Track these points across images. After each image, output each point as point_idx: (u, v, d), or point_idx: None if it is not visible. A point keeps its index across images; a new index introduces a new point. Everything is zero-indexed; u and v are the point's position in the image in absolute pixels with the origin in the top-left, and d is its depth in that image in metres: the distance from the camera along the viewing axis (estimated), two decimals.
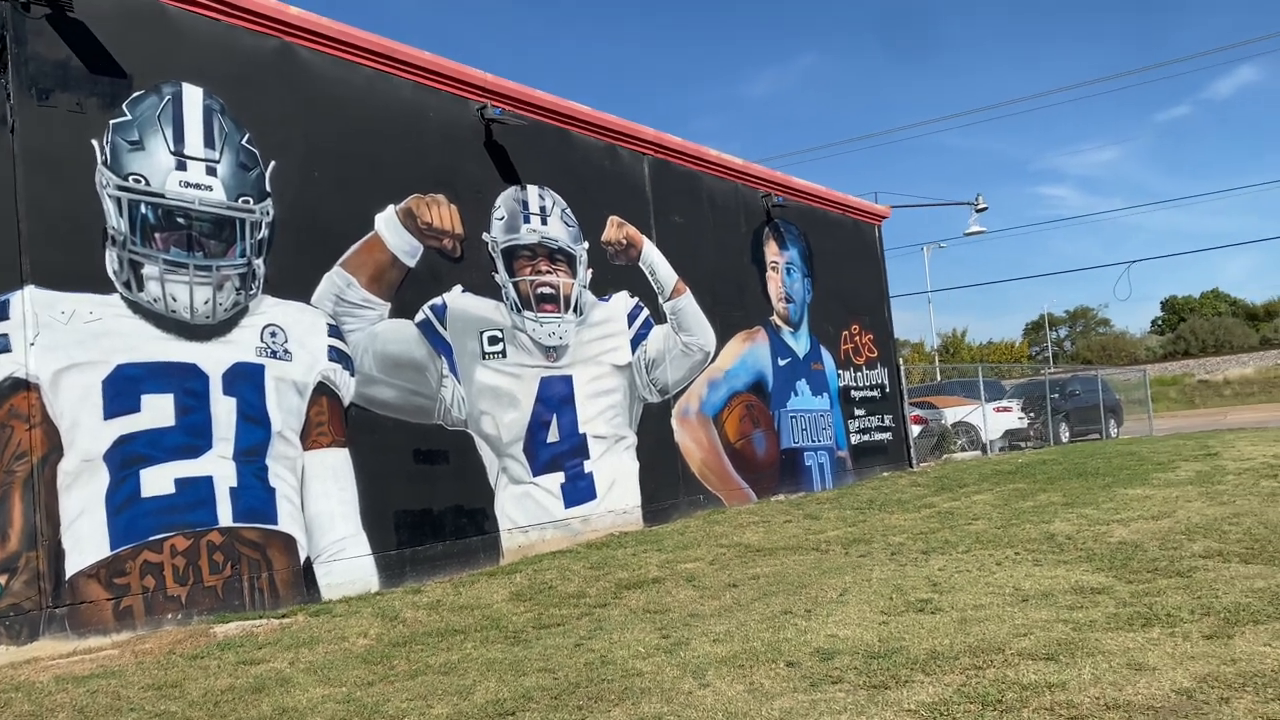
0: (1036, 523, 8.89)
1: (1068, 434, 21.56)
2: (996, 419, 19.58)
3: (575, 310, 10.56)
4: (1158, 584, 5.77)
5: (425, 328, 8.90)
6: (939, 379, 26.53)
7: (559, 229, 10.54)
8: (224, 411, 7.20)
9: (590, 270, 10.85)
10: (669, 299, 12.01)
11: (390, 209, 8.76)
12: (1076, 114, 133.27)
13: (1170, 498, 9.73)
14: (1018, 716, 3.64)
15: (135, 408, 6.73)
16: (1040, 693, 3.87)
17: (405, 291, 8.76)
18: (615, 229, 11.35)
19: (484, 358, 9.41)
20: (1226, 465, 12.20)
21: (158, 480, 6.77)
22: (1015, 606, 5.53)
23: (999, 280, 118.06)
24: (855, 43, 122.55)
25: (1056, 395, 21.80)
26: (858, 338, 15.79)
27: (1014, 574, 6.55)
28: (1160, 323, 72.09)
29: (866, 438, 15.49)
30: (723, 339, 12.77)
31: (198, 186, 7.28)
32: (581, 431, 10.35)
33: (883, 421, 15.99)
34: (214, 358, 7.22)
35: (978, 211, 24.21)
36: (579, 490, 10.19)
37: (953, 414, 19.12)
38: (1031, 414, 20.83)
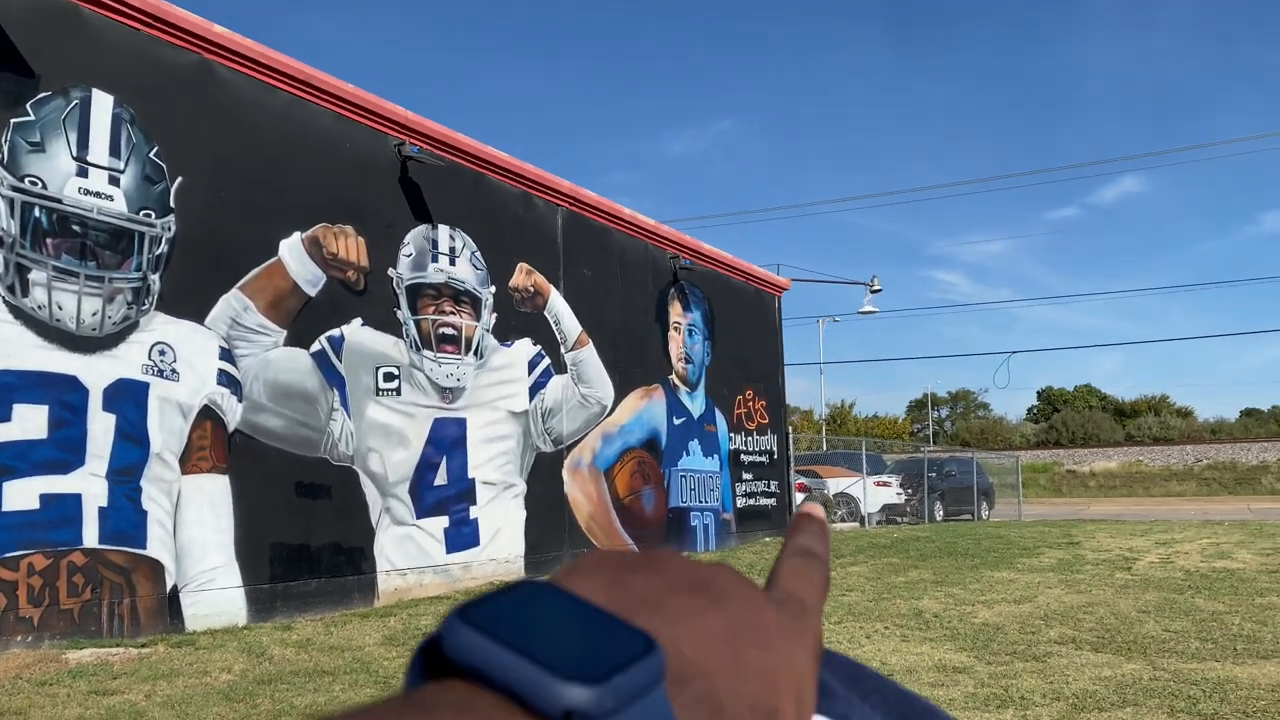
0: (907, 598, 9.18)
1: (941, 512, 22.31)
2: (876, 493, 20.16)
3: (476, 353, 10.54)
4: (1015, 666, 6.03)
5: (320, 359, 8.76)
6: (824, 449, 27.20)
7: (467, 271, 10.55)
8: (101, 428, 6.94)
9: (495, 314, 10.87)
10: (571, 349, 12.09)
11: (296, 236, 8.65)
12: (973, 206, 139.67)
13: (1033, 583, 10.16)
14: None
15: (5, 417, 6.44)
16: None
17: (303, 320, 8.63)
18: (524, 276, 11.42)
19: (378, 394, 9.30)
20: (1086, 555, 12.80)
21: (21, 494, 6.46)
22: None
23: (888, 359, 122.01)
24: (770, 113, 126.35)
25: (934, 474, 22.57)
26: (751, 403, 16.12)
27: (882, 648, 6.75)
28: (1035, 411, 75.28)
29: (752, 502, 15.75)
30: (621, 393, 12.89)
31: (98, 195, 7.09)
32: (471, 476, 10.28)
33: (768, 487, 16.30)
34: (97, 371, 6.97)
35: (872, 292, 25.13)
36: (463, 536, 10.09)
37: (835, 484, 19.62)
38: (909, 490, 21.52)
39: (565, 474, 11.73)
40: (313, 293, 8.74)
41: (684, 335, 14.51)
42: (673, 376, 14.15)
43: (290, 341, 8.49)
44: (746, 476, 15.71)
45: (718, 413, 15.13)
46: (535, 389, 11.40)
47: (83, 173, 7.01)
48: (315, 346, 8.73)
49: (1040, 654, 6.40)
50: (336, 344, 8.94)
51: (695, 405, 14.55)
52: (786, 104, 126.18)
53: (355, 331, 9.15)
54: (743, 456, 15.68)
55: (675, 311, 14.39)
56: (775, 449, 16.72)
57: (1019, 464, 29.80)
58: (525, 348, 11.33)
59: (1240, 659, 6.11)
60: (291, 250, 8.60)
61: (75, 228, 6.94)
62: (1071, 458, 45.88)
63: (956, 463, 25.60)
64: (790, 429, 17.77)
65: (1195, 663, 6.00)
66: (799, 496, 17.59)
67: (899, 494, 21.05)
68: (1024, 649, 6.60)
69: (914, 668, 6.05)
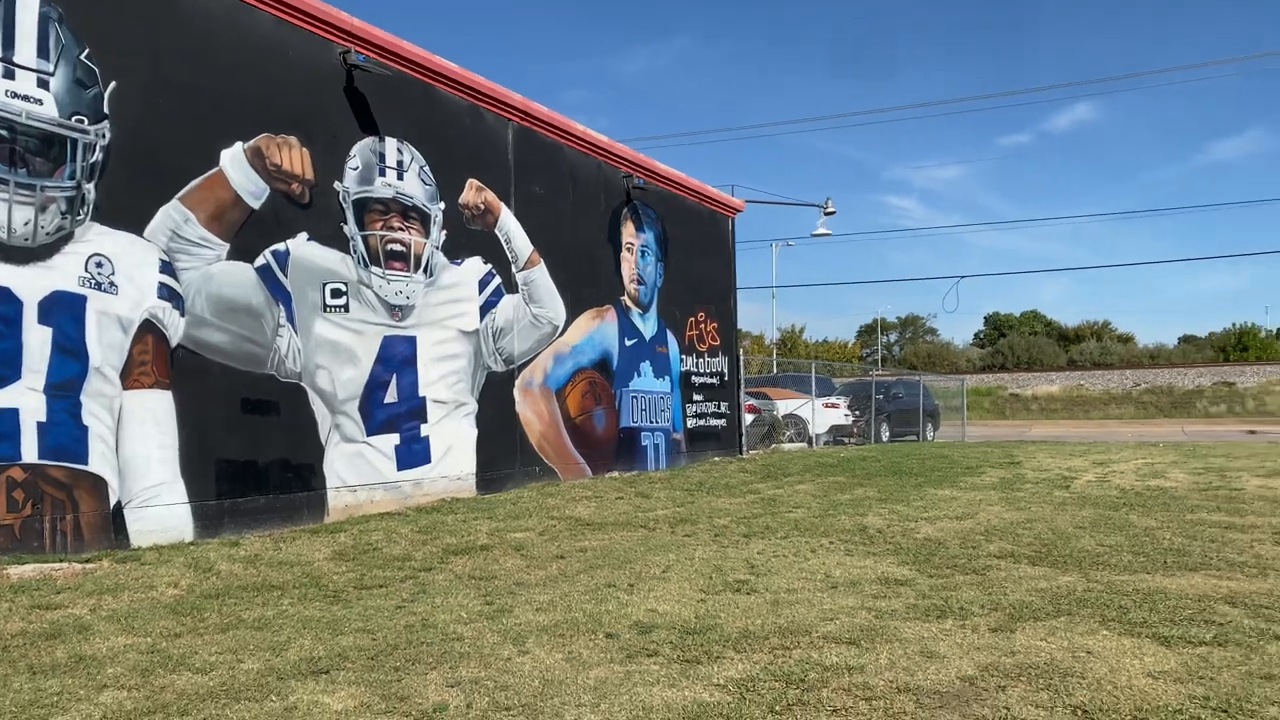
0: (852, 515, 9.37)
1: (888, 434, 22.73)
2: (825, 414, 20.44)
3: (425, 271, 10.38)
4: (955, 579, 6.20)
5: (265, 273, 8.57)
6: (775, 371, 27.45)
7: (415, 186, 10.33)
8: (37, 341, 6.75)
9: (445, 232, 10.69)
10: (523, 269, 11.97)
11: (238, 146, 8.38)
12: (928, 130, 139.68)
13: (974, 500, 10.43)
14: (817, 695, 3.87)
15: None
16: (840, 674, 4.12)
17: (247, 234, 8.41)
18: (474, 193, 11.22)
19: (325, 310, 9.14)
20: (1026, 474, 13.16)
21: None
22: (825, 593, 5.84)
23: (839, 282, 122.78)
24: (728, 28, 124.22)
25: (881, 396, 22.92)
26: (703, 325, 16.16)
27: (826, 562, 6.91)
28: (982, 336, 76.61)
29: (702, 423, 15.90)
30: (573, 314, 12.83)
31: (26, 98, 6.77)
32: (421, 395, 10.21)
33: (719, 408, 16.45)
34: (31, 283, 6.75)
35: (826, 215, 25.11)
36: (413, 453, 10.06)
37: (785, 406, 19.85)
38: (857, 412, 21.85)
39: (517, 393, 11.71)
40: (256, 205, 8.50)
41: (637, 256, 14.42)
42: (625, 298, 14.10)
43: (234, 255, 8.27)
44: (697, 398, 15.82)
45: (669, 334, 15.15)
46: (486, 308, 11.29)
47: (9, 74, 6.68)
48: (260, 261, 8.53)
49: (980, 567, 6.59)
50: (282, 259, 8.74)
51: (647, 327, 14.55)
52: (744, 20, 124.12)
53: (301, 246, 8.94)
54: (694, 378, 15.76)
55: (628, 232, 14.28)
56: (726, 371, 16.84)
57: (964, 387, 30.39)
58: (475, 266, 11.19)
59: (1170, 571, 6.34)
60: (233, 160, 8.33)
61: (3, 133, 6.64)
62: (1015, 381, 46.86)
63: (904, 385, 26.02)
64: (741, 352, 17.86)
65: (1127, 575, 6.22)
66: (749, 418, 17.78)
67: (847, 415, 21.37)
68: (964, 563, 6.78)
69: (857, 580, 6.20)
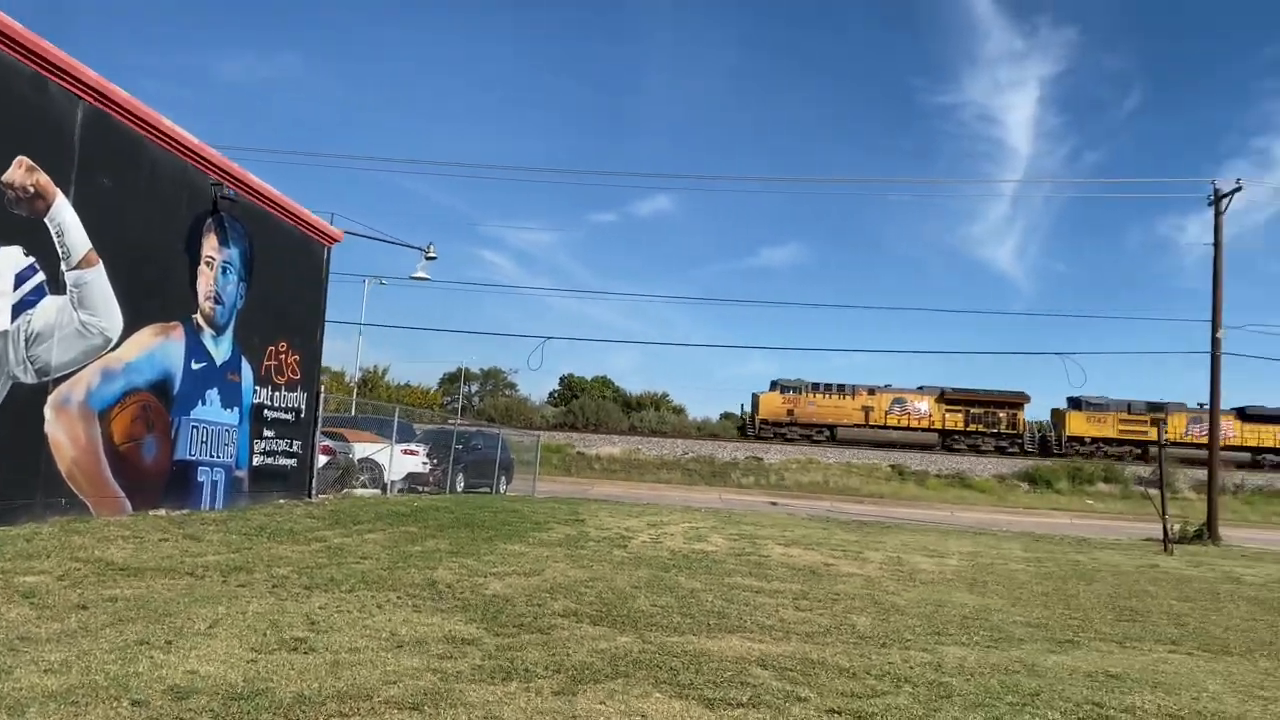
0: (422, 568, 9.17)
1: (463, 484, 22.80)
2: (402, 460, 20.04)
3: None
4: (521, 639, 6.23)
5: None
6: (354, 412, 26.54)
7: None
8: None
9: None
10: (75, 268, 10.44)
11: None
12: (528, 193, 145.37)
13: (541, 557, 10.69)
14: None
15: None
16: None
17: None
18: (23, 172, 9.64)
19: None
20: (590, 532, 13.79)
21: None
22: (390, 652, 5.59)
23: (429, 328, 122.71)
24: (342, 50, 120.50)
25: (461, 446, 22.99)
26: (284, 356, 15.16)
27: (393, 618, 6.64)
28: (556, 396, 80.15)
29: (271, 461, 14.80)
30: (132, 327, 11.40)
31: None
32: None
33: (290, 447, 15.44)
34: None
35: (428, 259, 24.95)
36: None
37: (362, 449, 19.18)
38: (435, 460, 21.70)
39: (49, 411, 10.11)
40: None
41: (216, 272, 13.23)
42: (198, 316, 12.84)
43: None
44: (269, 434, 14.73)
45: (245, 362, 14.01)
46: (21, 307, 9.68)
47: None
48: None
49: (545, 626, 6.70)
50: None
51: (220, 351, 13.34)
52: (352, 47, 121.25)
53: None
54: (267, 412, 14.67)
55: (210, 245, 13.07)
56: (304, 408, 15.88)
57: (539, 443, 31.47)
58: (13, 256, 9.58)
59: (712, 633, 6.88)
60: None
61: None
62: (583, 441, 49.45)
63: (483, 437, 26.35)
64: (321, 389, 17.02)
65: (677, 636, 6.65)
66: (323, 459, 16.90)
67: (425, 463, 21.13)
68: (530, 621, 6.86)
69: (424, 639, 6.01)
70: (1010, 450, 50.77)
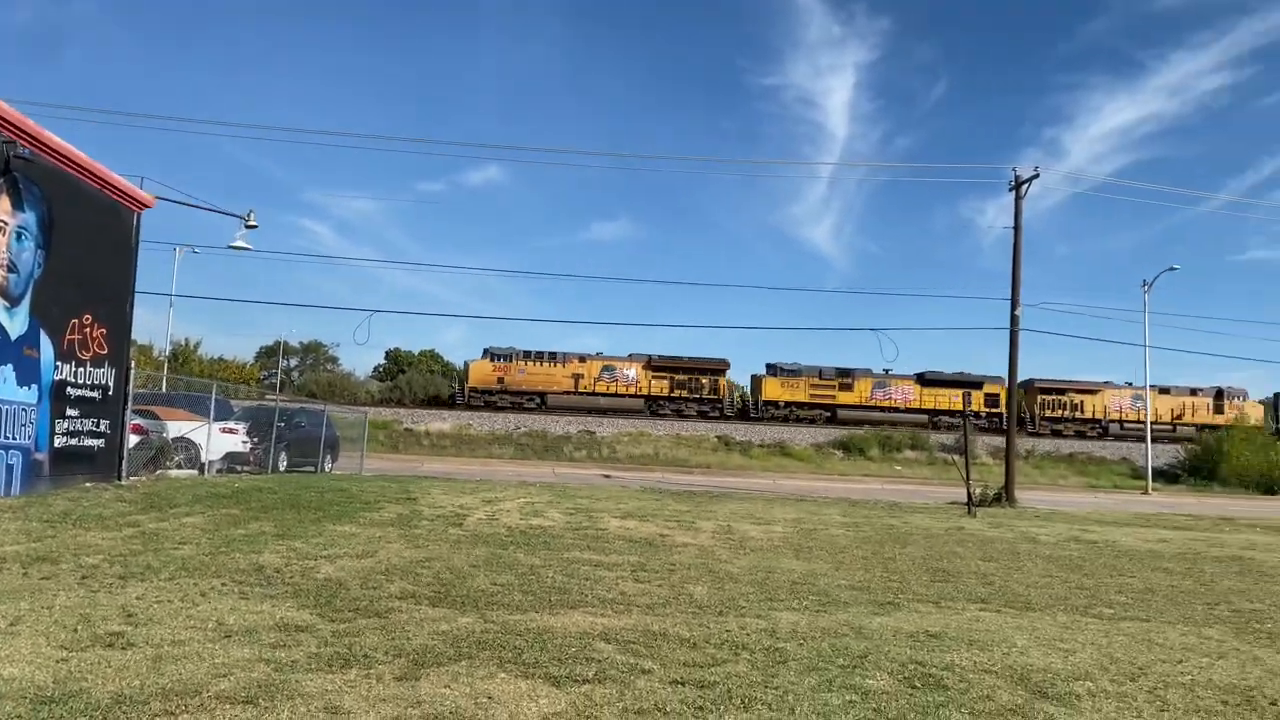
0: (247, 552, 8.78)
1: (286, 463, 21.89)
2: (220, 439, 19.05)
3: None
4: (358, 624, 6.07)
5: None
6: (165, 388, 24.99)
7: None
8: None
9: None
10: None
11: None
12: (351, 160, 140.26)
13: (374, 537, 10.42)
14: None
15: None
16: None
17: None
18: None
19: None
20: (423, 511, 13.53)
21: None
22: (218, 644, 5.33)
23: (247, 300, 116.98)
24: (143, 4, 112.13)
25: (283, 424, 22.05)
26: (89, 329, 14.06)
27: (219, 607, 6.34)
28: (381, 370, 78.01)
29: (75, 442, 13.74)
30: None
31: None
32: None
33: (98, 426, 14.37)
34: None
35: (248, 227, 23.66)
36: None
37: (176, 428, 18.09)
38: (255, 439, 20.74)
39: None
40: None
41: (10, 238, 12.11)
42: None
43: None
44: (72, 413, 13.64)
45: (44, 336, 12.90)
46: None
47: None
48: None
49: (383, 610, 6.54)
50: None
51: (15, 324, 12.23)
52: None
53: None
54: (70, 389, 13.57)
55: (3, 209, 11.95)
56: (112, 385, 14.79)
57: (366, 419, 30.59)
58: None
59: (555, 609, 6.91)
60: None
61: None
62: (411, 417, 48.40)
63: (307, 414, 25.36)
64: (133, 365, 15.92)
65: (519, 614, 6.64)
66: (134, 439, 15.83)
67: (245, 442, 20.14)
68: (367, 605, 6.69)
69: (254, 627, 5.77)
70: (711, 414, 52.16)
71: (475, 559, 9.24)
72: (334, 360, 76.61)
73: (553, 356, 52.28)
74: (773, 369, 53.68)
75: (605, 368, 52.51)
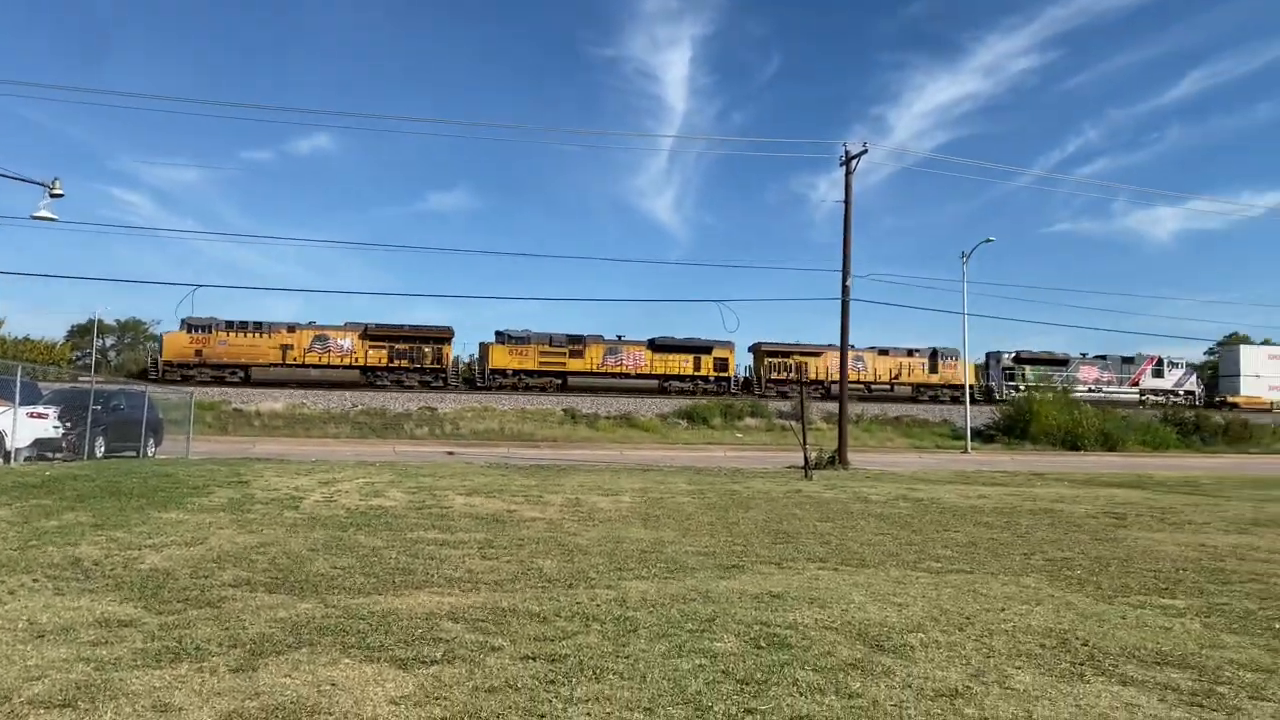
0: (61, 545, 8.19)
1: (104, 449, 20.52)
2: (29, 425, 17.64)
3: None
4: (189, 615, 5.74)
5: None
6: None
7: None
8: None
9: None
10: None
11: None
12: (168, 125, 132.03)
13: (204, 524, 9.90)
14: None
15: None
16: None
17: None
18: None
19: None
20: (256, 494, 12.95)
21: None
22: (30, 644, 4.95)
23: (55, 275, 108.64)
24: None
25: (100, 407, 20.63)
26: None
27: (30, 604, 5.89)
28: None
29: None
30: None
31: None
32: None
33: None
34: None
35: (52, 196, 21.85)
36: None
37: None
38: (69, 424, 19.32)
39: None
40: None
41: None
42: None
43: None
44: None
45: None
46: None
47: None
48: None
49: (215, 599, 6.22)
50: None
51: None
52: None
53: None
54: None
55: None
56: None
57: (191, 400, 29.02)
58: None
59: (399, 591, 6.73)
60: None
61: None
62: (241, 397, 46.23)
63: (126, 396, 23.80)
64: None
65: (362, 597, 6.43)
66: None
67: (57, 427, 18.72)
68: (198, 595, 6.35)
69: (71, 625, 5.38)
70: (434, 385, 50.86)
71: (314, 542, 8.91)
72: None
73: (258, 326, 49.40)
74: (501, 336, 52.25)
75: (317, 338, 50.00)
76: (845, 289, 29.65)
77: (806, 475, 21.23)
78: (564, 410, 48.67)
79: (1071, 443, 45.57)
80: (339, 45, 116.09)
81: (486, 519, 11.24)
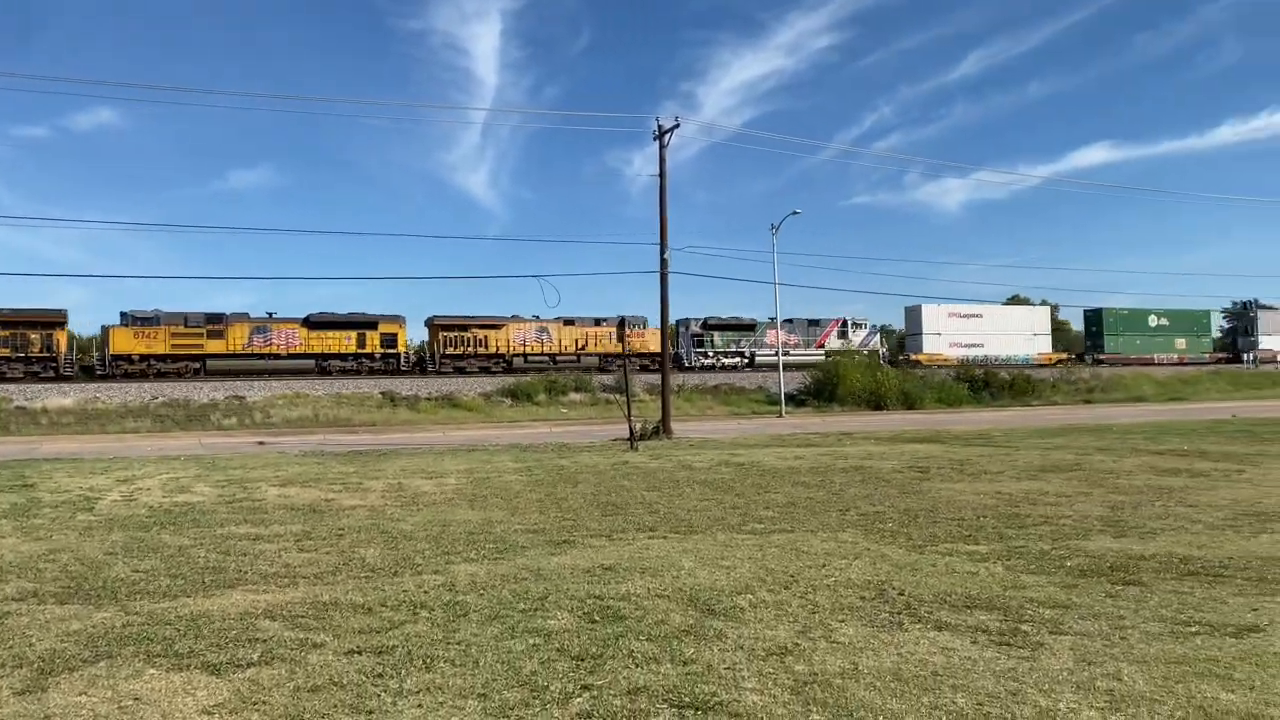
0: None
1: None
2: None
3: None
4: None
5: None
6: None
7: None
8: None
9: None
10: None
11: None
12: None
13: None
14: None
15: None
16: None
17: None
18: None
19: None
20: (44, 498, 11.92)
21: None
22: None
23: None
24: None
25: None
26: None
27: None
28: None
29: None
30: None
31: None
32: None
33: None
34: None
35: None
36: None
37: None
38: None
39: None
40: None
41: None
42: None
43: None
44: None
45: None
46: None
47: None
48: None
49: None
50: None
51: None
52: None
53: None
54: None
55: None
56: None
57: None
58: None
59: (209, 591, 6.31)
60: None
61: None
62: (24, 393, 42.47)
63: None
64: None
65: (168, 601, 5.99)
66: None
67: None
68: None
69: None
70: (44, 375, 45.30)
71: (112, 545, 8.25)
72: None
73: None
74: (126, 318, 46.97)
75: None
76: (664, 262, 30.06)
77: (632, 446, 21.45)
78: (382, 394, 47.28)
79: (875, 403, 48.02)
80: (128, 14, 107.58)
81: (303, 509, 10.75)
